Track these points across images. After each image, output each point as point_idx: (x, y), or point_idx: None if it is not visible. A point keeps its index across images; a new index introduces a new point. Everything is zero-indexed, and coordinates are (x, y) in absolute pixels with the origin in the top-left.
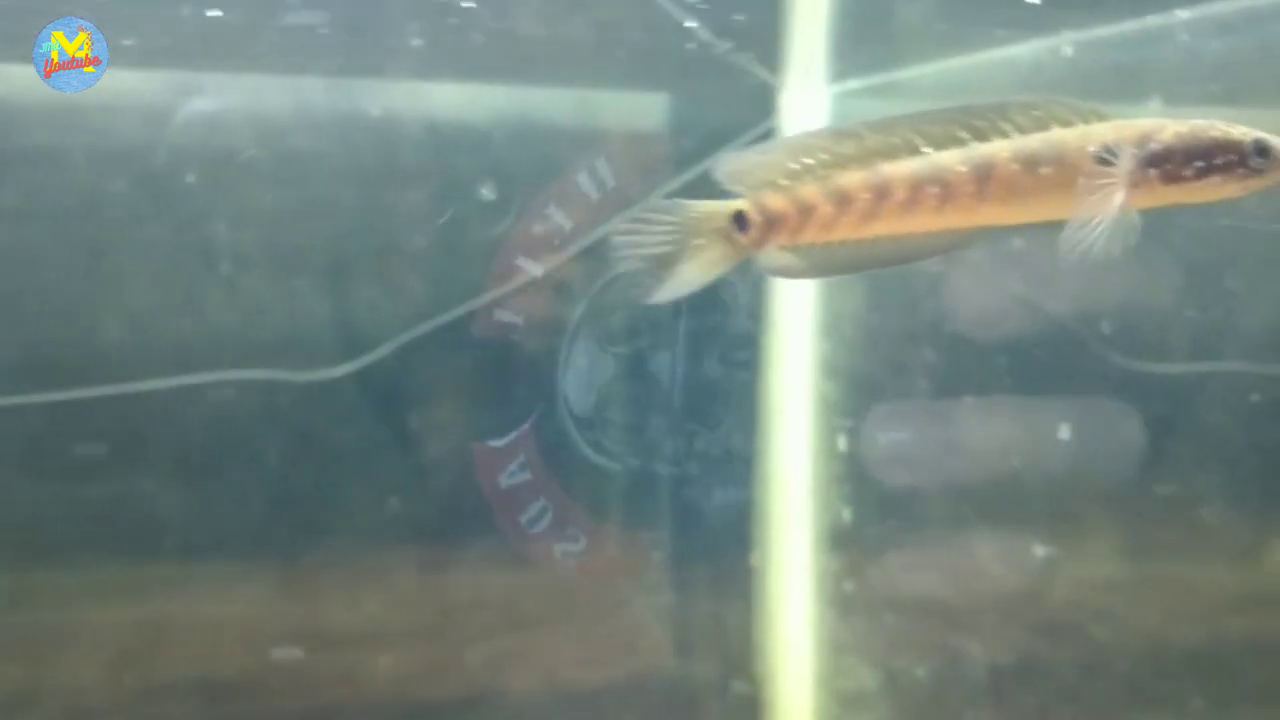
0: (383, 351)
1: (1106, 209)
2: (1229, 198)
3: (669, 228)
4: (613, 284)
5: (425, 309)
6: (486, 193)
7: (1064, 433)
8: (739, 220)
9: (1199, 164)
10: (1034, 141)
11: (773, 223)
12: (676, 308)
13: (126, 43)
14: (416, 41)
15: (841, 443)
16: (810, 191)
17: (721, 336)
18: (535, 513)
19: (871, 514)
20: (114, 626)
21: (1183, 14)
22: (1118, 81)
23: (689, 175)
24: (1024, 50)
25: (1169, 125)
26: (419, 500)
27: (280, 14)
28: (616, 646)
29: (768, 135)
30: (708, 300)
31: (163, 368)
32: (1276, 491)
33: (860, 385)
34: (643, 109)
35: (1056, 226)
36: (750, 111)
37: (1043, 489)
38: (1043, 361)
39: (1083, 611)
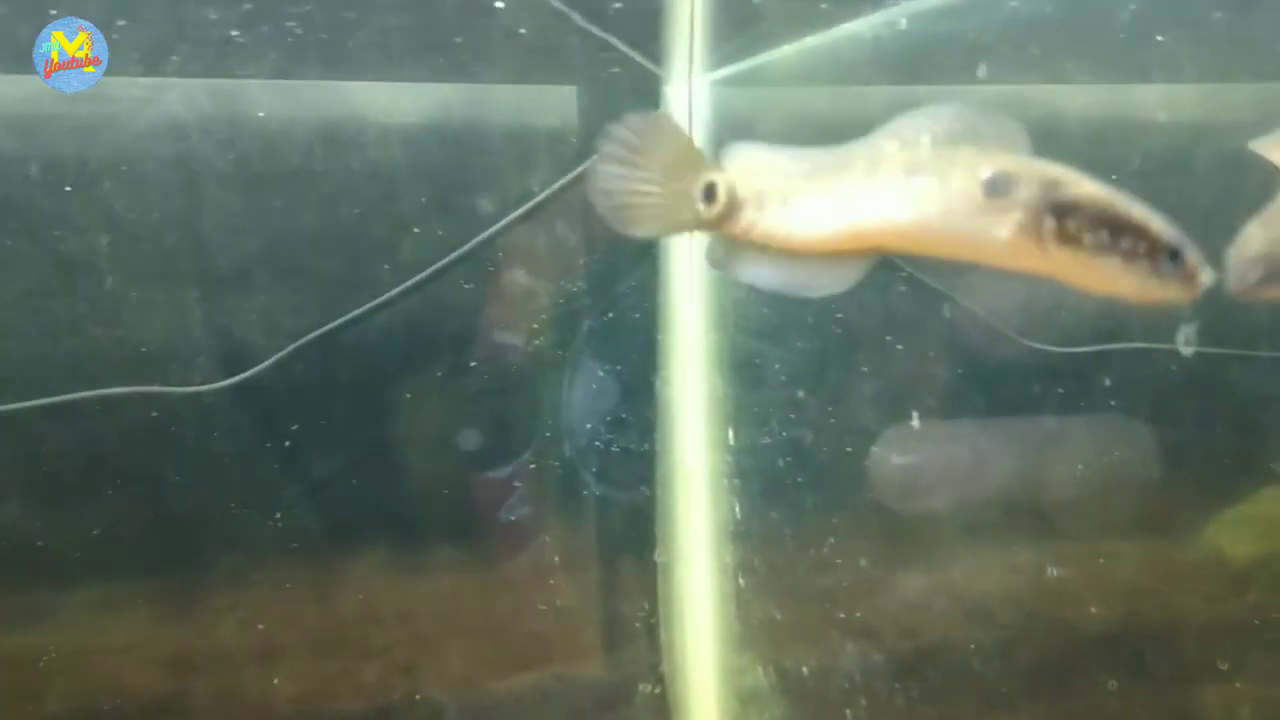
0: (267, 363)
1: (988, 247)
2: (1119, 296)
3: (654, 170)
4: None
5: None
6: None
7: (914, 421)
8: (708, 191)
9: (1104, 234)
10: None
11: (733, 206)
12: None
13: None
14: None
15: (730, 435)
16: (771, 188)
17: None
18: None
19: (760, 507)
20: None
21: None
22: (948, 52)
23: (582, 167)
24: (865, 25)
25: (1087, 182)
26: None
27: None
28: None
29: None
30: None
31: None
32: (1194, 470)
33: (748, 377)
34: (531, 103)
35: None
36: (637, 103)
37: (947, 473)
38: (940, 346)
39: (989, 597)
